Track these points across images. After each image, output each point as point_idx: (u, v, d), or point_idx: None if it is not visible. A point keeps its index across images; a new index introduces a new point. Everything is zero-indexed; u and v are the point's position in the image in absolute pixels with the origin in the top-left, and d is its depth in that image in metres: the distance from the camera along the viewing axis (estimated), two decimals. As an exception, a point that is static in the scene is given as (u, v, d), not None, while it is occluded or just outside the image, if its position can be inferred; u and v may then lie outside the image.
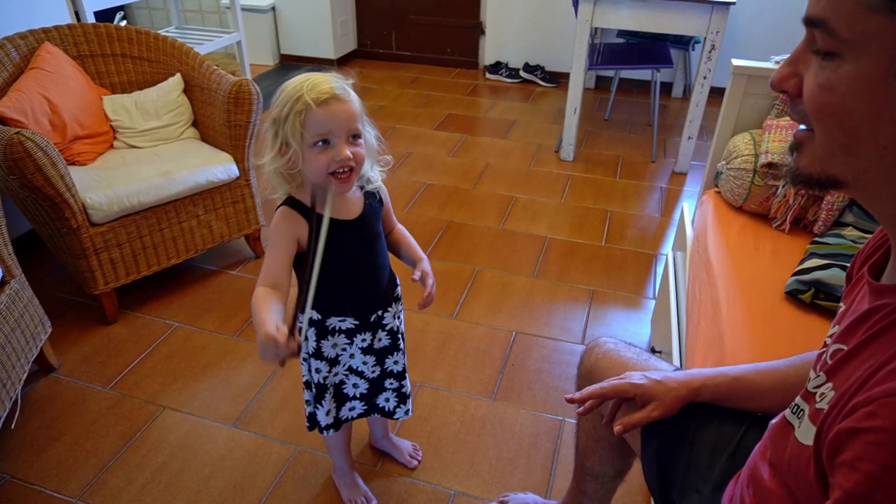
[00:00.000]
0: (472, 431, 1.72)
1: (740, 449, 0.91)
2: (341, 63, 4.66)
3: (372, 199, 1.21)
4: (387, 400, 1.40)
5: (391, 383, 1.38)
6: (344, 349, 1.28)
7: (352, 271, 1.20)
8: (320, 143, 1.03)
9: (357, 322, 1.25)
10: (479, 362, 1.95)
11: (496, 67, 4.47)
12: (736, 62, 1.74)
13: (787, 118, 1.67)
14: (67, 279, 2.28)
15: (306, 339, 1.23)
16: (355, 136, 1.06)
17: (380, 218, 1.23)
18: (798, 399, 0.65)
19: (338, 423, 1.37)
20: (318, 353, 1.26)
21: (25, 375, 1.65)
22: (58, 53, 2.15)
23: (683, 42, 3.84)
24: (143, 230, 2.02)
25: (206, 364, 1.93)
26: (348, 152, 1.04)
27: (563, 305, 2.22)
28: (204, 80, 2.26)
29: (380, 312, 1.27)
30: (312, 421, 1.38)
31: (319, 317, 1.23)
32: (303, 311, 1.02)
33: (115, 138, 2.27)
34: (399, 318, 1.35)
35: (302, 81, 1.03)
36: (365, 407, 1.39)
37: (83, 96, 2.17)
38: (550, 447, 1.67)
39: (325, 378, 1.29)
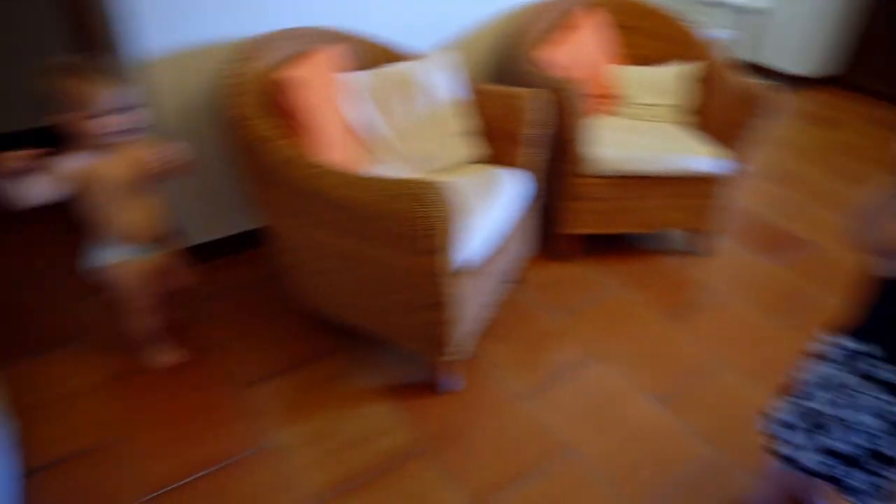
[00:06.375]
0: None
1: None
2: (808, 85, 4.10)
3: None
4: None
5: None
6: None
7: None
8: None
9: None
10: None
11: None
12: None
13: None
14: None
15: None
16: None
17: None
18: None
19: None
20: None
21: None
22: (595, 18, 2.41)
23: None
24: (622, 193, 2.17)
25: (633, 335, 2.03)
26: None
27: None
28: (715, 74, 2.29)
29: None
30: None
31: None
32: None
33: (615, 105, 2.46)
34: None
35: None
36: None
37: (601, 60, 2.40)
38: None
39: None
